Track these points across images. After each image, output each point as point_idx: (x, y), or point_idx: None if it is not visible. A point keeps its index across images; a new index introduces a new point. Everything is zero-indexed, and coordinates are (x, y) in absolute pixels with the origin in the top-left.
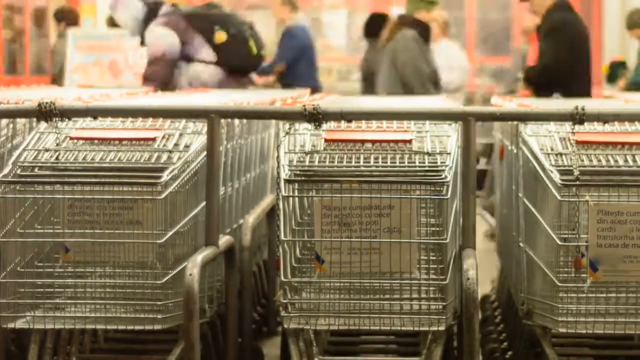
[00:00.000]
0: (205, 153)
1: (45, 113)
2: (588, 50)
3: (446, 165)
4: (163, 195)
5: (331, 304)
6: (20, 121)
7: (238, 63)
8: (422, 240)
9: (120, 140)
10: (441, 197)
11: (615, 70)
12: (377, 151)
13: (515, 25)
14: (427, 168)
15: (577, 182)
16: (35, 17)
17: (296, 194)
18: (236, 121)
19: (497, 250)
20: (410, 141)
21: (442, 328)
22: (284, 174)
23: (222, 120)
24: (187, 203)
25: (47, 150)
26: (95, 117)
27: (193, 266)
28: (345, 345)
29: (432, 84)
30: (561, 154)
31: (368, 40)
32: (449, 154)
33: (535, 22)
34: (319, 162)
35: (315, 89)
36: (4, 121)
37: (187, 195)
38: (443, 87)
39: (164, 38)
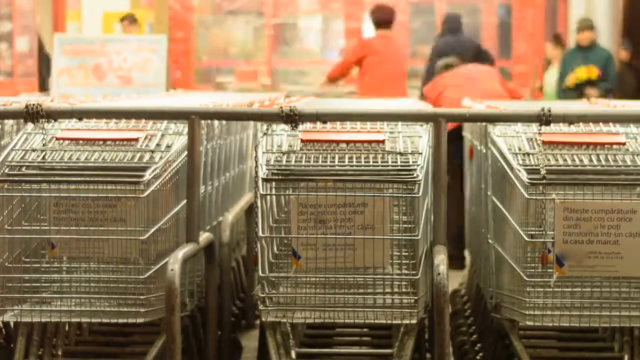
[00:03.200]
0: (186, 153)
1: (32, 114)
2: None
3: (418, 165)
4: (145, 194)
5: (307, 298)
6: (8, 122)
7: None
8: (394, 237)
9: (105, 140)
10: (413, 195)
11: None
12: (351, 151)
13: (485, 29)
14: (399, 167)
15: (544, 181)
16: None
17: (274, 192)
18: (216, 122)
19: (467, 246)
20: (383, 141)
21: (414, 321)
22: (262, 173)
23: (202, 122)
24: (169, 201)
25: (34, 150)
26: (80, 119)
27: (174, 262)
28: (321, 338)
29: None
30: (528, 154)
31: None
32: (421, 153)
33: None
34: (295, 161)
35: None
36: None
37: (169, 193)
38: None
39: None
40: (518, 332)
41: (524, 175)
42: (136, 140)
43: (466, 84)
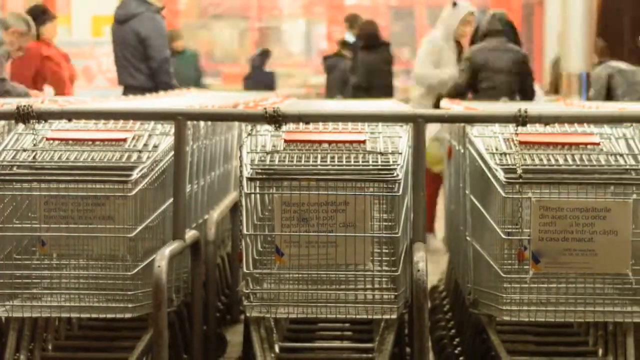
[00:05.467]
0: (172, 153)
1: (23, 115)
2: None
3: (398, 164)
4: (133, 192)
5: (290, 294)
6: (0, 123)
7: None
8: (375, 234)
9: (93, 140)
10: (393, 193)
11: None
12: (333, 151)
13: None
14: (380, 167)
15: (520, 180)
16: None
17: (258, 191)
18: (201, 123)
19: (445, 243)
20: (364, 142)
21: (394, 316)
22: (247, 172)
23: (189, 122)
24: (156, 199)
25: (24, 150)
26: (69, 119)
27: (161, 259)
28: (304, 333)
29: None
30: (505, 154)
31: None
32: (400, 153)
33: None
34: (279, 161)
35: None
36: None
37: (156, 192)
38: None
39: None
40: (495, 327)
41: (501, 175)
42: (124, 140)
43: None
